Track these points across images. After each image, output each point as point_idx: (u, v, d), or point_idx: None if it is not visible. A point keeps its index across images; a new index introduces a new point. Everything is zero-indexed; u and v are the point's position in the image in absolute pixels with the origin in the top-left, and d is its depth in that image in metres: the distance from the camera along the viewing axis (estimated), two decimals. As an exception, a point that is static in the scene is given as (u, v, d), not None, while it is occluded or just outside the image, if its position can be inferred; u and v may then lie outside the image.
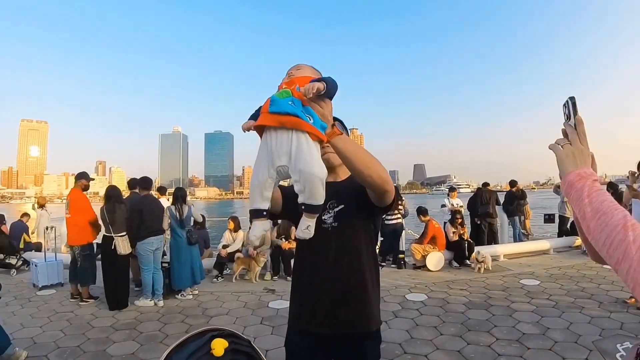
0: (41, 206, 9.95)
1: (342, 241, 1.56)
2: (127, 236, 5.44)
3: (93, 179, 6.26)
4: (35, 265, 6.53)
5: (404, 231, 8.17)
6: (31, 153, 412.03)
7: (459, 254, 7.45)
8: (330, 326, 1.53)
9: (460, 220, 7.75)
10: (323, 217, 1.58)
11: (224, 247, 7.14)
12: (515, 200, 9.68)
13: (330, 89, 1.20)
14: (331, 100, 1.25)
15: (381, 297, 4.73)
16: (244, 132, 1.29)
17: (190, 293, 5.91)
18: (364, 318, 1.55)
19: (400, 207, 8.04)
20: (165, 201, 7.04)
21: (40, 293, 6.15)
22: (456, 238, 7.54)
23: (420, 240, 7.51)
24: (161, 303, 5.51)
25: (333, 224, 1.57)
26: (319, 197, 1.21)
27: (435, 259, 7.12)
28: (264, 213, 1.28)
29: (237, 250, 7.03)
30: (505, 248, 8.26)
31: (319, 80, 1.19)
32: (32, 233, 9.52)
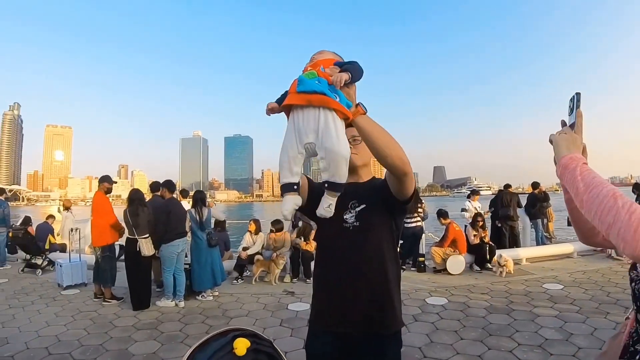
0: (66, 208, 10.22)
1: (364, 240, 1.56)
2: (150, 238, 5.54)
3: (115, 182, 6.40)
4: (60, 266, 6.70)
5: (424, 234, 8.08)
6: (56, 157, 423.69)
7: (480, 257, 7.31)
8: (351, 326, 1.53)
9: (481, 223, 7.59)
10: (344, 217, 1.59)
11: (244, 249, 7.19)
12: (537, 202, 9.46)
13: (355, 76, 1.26)
14: (356, 83, 1.30)
15: (401, 300, 4.69)
16: (268, 114, 1.34)
17: (211, 294, 5.97)
18: (385, 318, 1.54)
19: (419, 209, 7.96)
20: (186, 204, 7.14)
21: (64, 292, 6.31)
22: (477, 241, 7.40)
23: (440, 244, 7.39)
24: (182, 304, 5.59)
25: (355, 224, 1.58)
26: (342, 176, 1.25)
27: (456, 262, 7.01)
28: (295, 187, 1.30)
29: (257, 253, 7.07)
30: (527, 251, 8.05)
31: (343, 64, 1.27)
32: (58, 234, 9.78)
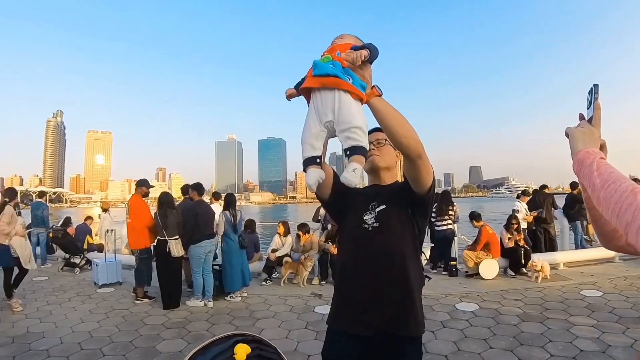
0: (105, 210, 10.64)
1: (384, 241, 1.53)
2: (179, 239, 5.67)
3: (153, 186, 6.59)
4: (96, 265, 6.97)
5: (456, 237, 7.87)
6: (97, 161, 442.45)
7: (514, 261, 7.02)
8: (371, 328, 1.49)
9: (516, 226, 7.30)
10: (364, 217, 1.59)
11: (273, 251, 7.24)
12: (576, 203, 8.91)
13: (372, 55, 1.29)
14: (371, 64, 1.32)
15: (430, 306, 4.57)
16: (287, 99, 1.37)
17: (239, 295, 6.04)
18: (406, 321, 1.48)
19: (450, 212, 7.77)
20: (218, 206, 7.26)
21: (100, 291, 6.55)
22: (511, 245, 7.12)
23: (473, 247, 7.15)
24: (211, 304, 5.68)
25: (374, 224, 1.56)
26: (364, 139, 1.24)
27: (489, 266, 6.75)
28: (317, 160, 1.31)
29: (286, 255, 7.10)
30: (565, 255, 7.65)
31: (362, 47, 1.28)
32: (96, 235, 10.18)
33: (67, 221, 9.73)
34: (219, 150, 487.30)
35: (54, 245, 9.32)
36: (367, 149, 1.26)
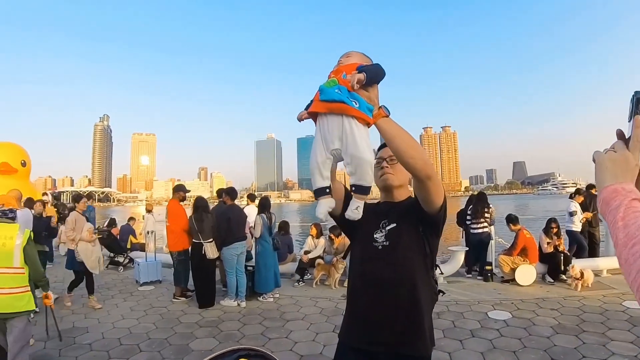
0: (148, 211, 11.14)
1: (394, 260, 1.54)
2: (214, 242, 5.88)
3: (189, 191, 6.86)
4: (138, 264, 7.33)
5: (492, 240, 7.60)
6: (142, 162, 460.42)
7: (553, 267, 6.73)
8: (379, 345, 1.51)
9: (555, 230, 6.95)
10: (375, 236, 1.59)
11: (306, 252, 7.34)
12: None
13: (372, 77, 1.29)
14: (378, 84, 1.34)
15: (460, 313, 4.47)
16: (299, 121, 1.40)
17: (272, 296, 6.18)
18: (414, 341, 1.50)
19: (486, 214, 7.55)
20: (254, 207, 7.45)
21: (141, 289, 6.90)
22: (550, 250, 6.82)
23: (509, 252, 6.91)
24: (243, 304, 5.86)
25: (384, 243, 1.57)
26: (369, 179, 1.33)
27: (525, 272, 6.50)
28: (327, 190, 1.38)
29: (319, 257, 7.17)
30: (608, 262, 7.13)
31: (364, 67, 1.30)
32: (140, 234, 10.67)
33: (112, 222, 10.27)
34: (259, 149, 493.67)
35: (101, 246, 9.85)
36: (371, 186, 1.32)
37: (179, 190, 6.46)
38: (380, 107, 1.33)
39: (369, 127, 1.32)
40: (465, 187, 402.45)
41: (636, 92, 0.81)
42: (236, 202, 6.50)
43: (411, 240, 1.55)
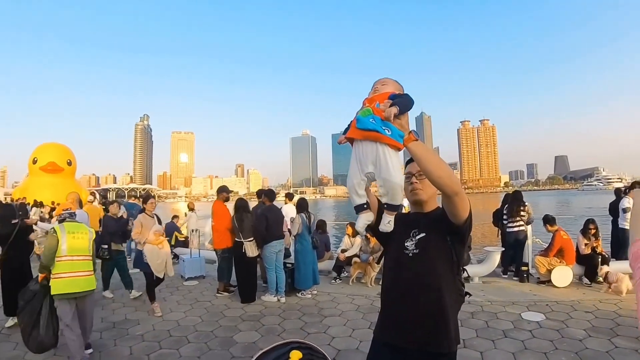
0: (191, 209, 11.71)
1: (422, 267, 1.71)
2: (254, 241, 6.22)
3: (232, 192, 7.25)
4: (183, 260, 7.79)
5: (528, 240, 7.57)
6: (181, 159, 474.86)
7: (590, 269, 6.60)
8: (407, 341, 1.70)
9: (593, 231, 6.78)
10: (405, 244, 1.77)
11: (343, 251, 7.59)
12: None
13: (403, 108, 1.48)
14: (408, 112, 1.52)
15: (494, 313, 4.54)
16: (339, 144, 1.69)
17: (310, 293, 6.47)
18: (440, 339, 1.67)
19: (522, 213, 7.49)
20: (292, 206, 7.76)
21: (186, 283, 7.34)
22: (588, 251, 6.69)
23: (545, 253, 6.84)
24: (283, 299, 6.17)
25: (414, 251, 1.74)
26: (399, 199, 1.55)
27: (562, 274, 6.44)
28: (365, 206, 1.63)
29: (355, 255, 7.39)
30: None
31: (395, 97, 1.50)
32: (182, 225, 11.20)
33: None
34: (294, 145, 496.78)
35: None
36: (401, 204, 1.56)
37: (223, 192, 6.87)
38: (410, 132, 1.51)
39: (399, 151, 1.52)
40: (505, 183, 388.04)
41: None
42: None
43: (439, 248, 1.71)
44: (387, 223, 1.61)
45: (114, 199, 12.99)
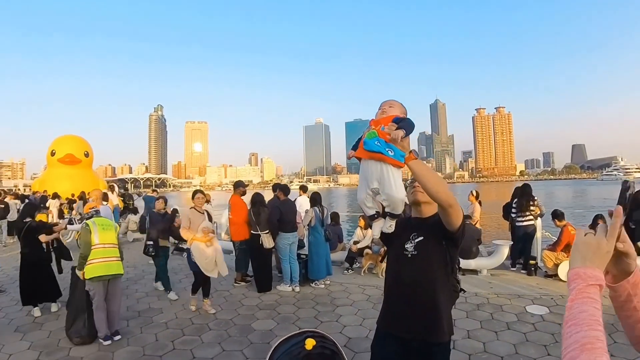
0: (207, 202, 12.03)
1: (419, 267, 1.97)
2: (270, 233, 6.50)
3: (247, 185, 7.53)
4: (201, 251, 8.11)
5: (539, 233, 7.70)
6: (195, 149, 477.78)
7: (597, 264, 6.66)
8: (407, 332, 1.97)
9: None
10: (405, 246, 2.03)
11: (355, 242, 7.84)
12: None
13: (409, 130, 1.70)
14: (409, 135, 1.72)
15: (499, 306, 4.70)
16: (348, 159, 1.93)
17: (323, 283, 6.75)
18: (433, 330, 1.93)
19: (532, 207, 7.60)
20: (306, 198, 8.03)
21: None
22: (596, 247, 6.74)
23: (553, 247, 6.97)
24: (297, 289, 6.47)
25: (413, 252, 1.99)
26: (399, 210, 1.80)
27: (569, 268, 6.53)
28: (376, 216, 1.87)
29: (367, 247, 7.63)
30: None
31: (400, 121, 1.71)
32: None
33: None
34: (307, 133, 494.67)
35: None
36: (400, 213, 1.81)
37: (239, 187, 7.18)
38: (410, 151, 1.73)
39: (401, 169, 1.76)
40: (521, 172, 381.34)
41: (624, 182, 1.13)
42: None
43: (435, 251, 1.95)
44: (389, 226, 1.86)
45: (154, 191, 13.25)
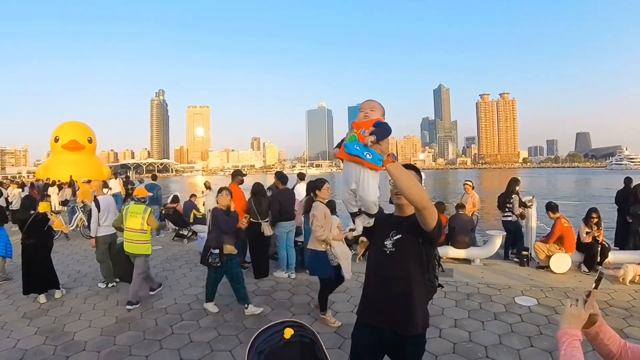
0: (208, 188, 12.15)
1: (397, 263, 2.10)
2: (269, 221, 6.65)
3: (245, 175, 7.61)
4: (201, 237, 8.28)
5: (529, 226, 7.88)
6: (197, 134, 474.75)
7: (589, 257, 6.75)
8: (382, 322, 2.12)
9: (596, 220, 6.84)
10: (385, 243, 2.16)
11: (351, 230, 7.92)
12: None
13: (381, 136, 1.76)
14: (387, 138, 1.80)
15: (489, 296, 4.79)
16: (334, 157, 2.07)
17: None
18: (405, 323, 2.07)
19: (509, 205, 7.90)
20: (303, 186, 8.15)
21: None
22: (589, 240, 6.77)
23: (545, 239, 7.04)
24: (293, 275, 6.66)
25: (391, 249, 2.12)
26: (373, 211, 1.95)
27: (560, 261, 6.63)
28: (358, 213, 2.00)
29: (362, 234, 7.73)
30: None
31: (378, 126, 1.79)
32: (203, 204, 11.67)
33: (176, 199, 11.41)
34: (310, 118, 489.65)
35: (166, 220, 11.00)
36: (374, 213, 1.93)
37: (237, 175, 7.26)
38: (388, 155, 1.82)
39: (378, 172, 1.85)
40: (524, 159, 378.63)
41: (600, 273, 1.40)
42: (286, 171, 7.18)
43: (411, 249, 2.08)
44: (367, 222, 2.01)
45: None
